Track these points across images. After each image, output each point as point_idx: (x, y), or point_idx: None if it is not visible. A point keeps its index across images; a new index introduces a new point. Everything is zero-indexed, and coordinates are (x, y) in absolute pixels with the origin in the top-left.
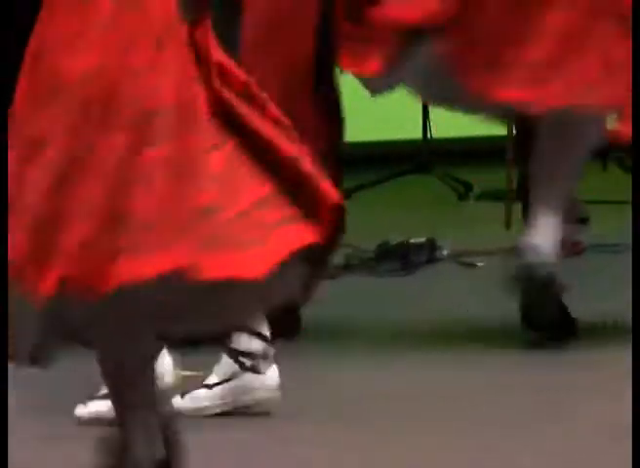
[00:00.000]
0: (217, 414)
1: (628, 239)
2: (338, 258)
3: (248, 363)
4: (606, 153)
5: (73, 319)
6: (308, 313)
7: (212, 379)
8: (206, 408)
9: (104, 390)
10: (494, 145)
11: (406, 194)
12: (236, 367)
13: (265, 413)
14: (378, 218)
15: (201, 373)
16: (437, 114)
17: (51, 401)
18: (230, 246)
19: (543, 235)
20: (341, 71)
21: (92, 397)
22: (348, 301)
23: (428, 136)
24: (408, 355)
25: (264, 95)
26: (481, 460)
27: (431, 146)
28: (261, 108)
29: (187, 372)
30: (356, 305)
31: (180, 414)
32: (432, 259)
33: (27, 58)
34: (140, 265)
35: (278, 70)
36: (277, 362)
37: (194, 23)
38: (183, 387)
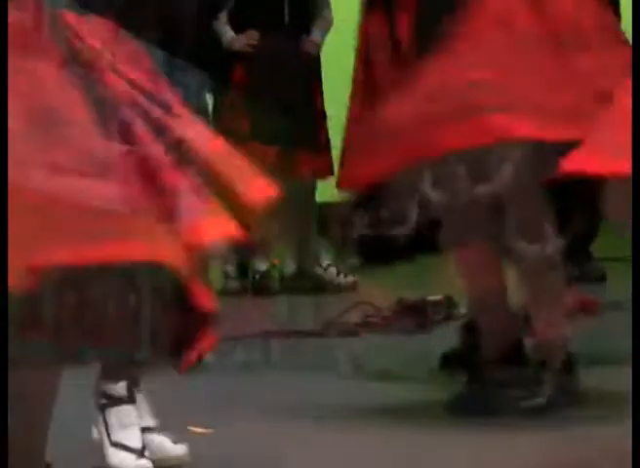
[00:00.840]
0: None
1: None
2: (356, 316)
3: None
4: None
5: None
6: (320, 366)
7: None
8: None
9: None
10: None
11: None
12: None
13: None
14: (395, 276)
15: (211, 431)
16: None
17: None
18: None
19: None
20: None
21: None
22: (367, 358)
23: None
24: (423, 415)
25: None
26: None
27: None
28: None
29: (198, 429)
30: (373, 362)
31: None
32: (449, 317)
33: None
34: None
35: None
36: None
37: None
38: None
